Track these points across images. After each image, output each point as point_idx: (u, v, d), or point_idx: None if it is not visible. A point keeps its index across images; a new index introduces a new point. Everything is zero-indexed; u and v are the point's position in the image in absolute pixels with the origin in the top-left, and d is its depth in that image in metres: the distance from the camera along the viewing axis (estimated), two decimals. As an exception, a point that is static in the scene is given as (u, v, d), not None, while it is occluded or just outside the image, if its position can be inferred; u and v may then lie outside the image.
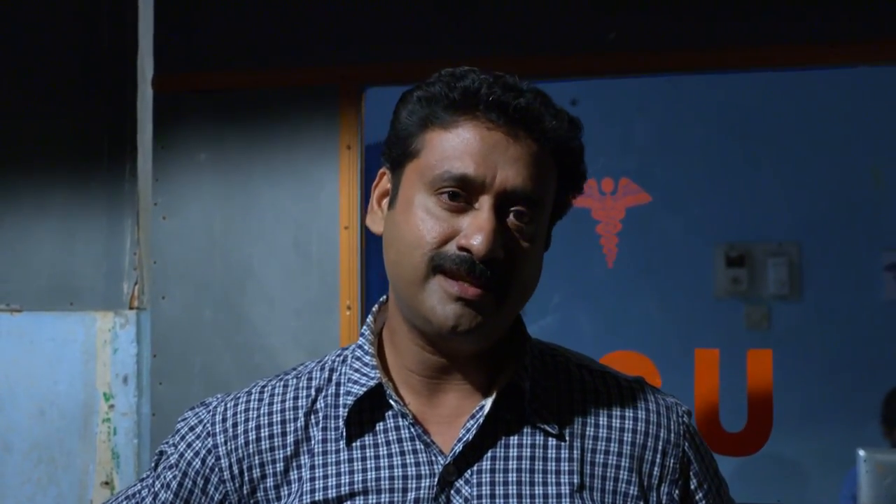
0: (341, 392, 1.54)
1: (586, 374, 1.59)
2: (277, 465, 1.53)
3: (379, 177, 1.54)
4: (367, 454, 1.50)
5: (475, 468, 1.48)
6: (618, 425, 1.54)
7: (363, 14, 2.98)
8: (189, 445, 1.58)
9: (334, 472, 1.50)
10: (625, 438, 1.54)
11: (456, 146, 1.42)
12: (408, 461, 1.49)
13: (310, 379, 1.58)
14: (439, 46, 2.92)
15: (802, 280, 4.87)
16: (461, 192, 1.41)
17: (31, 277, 3.14)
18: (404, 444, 1.50)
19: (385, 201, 1.52)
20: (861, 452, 3.26)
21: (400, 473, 1.48)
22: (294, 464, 1.52)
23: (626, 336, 4.65)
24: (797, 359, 4.47)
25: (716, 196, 4.80)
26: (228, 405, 1.58)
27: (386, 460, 1.49)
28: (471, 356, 1.50)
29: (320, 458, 1.51)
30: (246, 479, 1.54)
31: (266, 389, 1.59)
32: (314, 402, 1.55)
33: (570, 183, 1.51)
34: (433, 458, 1.48)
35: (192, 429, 1.59)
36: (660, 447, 1.55)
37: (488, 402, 1.49)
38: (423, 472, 1.48)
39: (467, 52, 2.88)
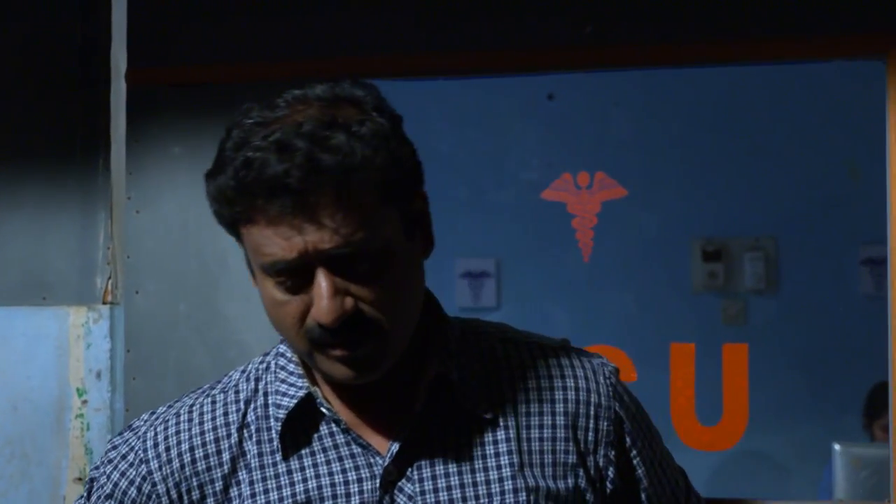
0: (270, 403, 1.53)
1: (511, 348, 1.59)
2: (216, 484, 1.52)
3: None
4: (306, 464, 1.50)
5: (415, 465, 1.49)
6: (548, 397, 1.56)
7: (339, 8, 2.97)
8: (123, 474, 1.56)
9: (274, 485, 1.49)
10: (557, 409, 1.55)
11: (268, 237, 1.38)
12: (347, 466, 1.49)
13: (237, 392, 1.57)
14: (415, 41, 2.90)
15: (779, 274, 4.89)
16: (292, 275, 1.40)
17: (2, 272, 3.11)
18: (341, 449, 1.50)
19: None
20: (836, 446, 3.27)
21: (341, 479, 1.48)
22: (233, 480, 1.51)
23: (601, 330, 4.65)
24: (773, 353, 4.48)
25: (692, 190, 4.81)
26: (158, 429, 1.56)
27: (325, 468, 1.49)
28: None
29: (258, 472, 1.51)
30: (185, 502, 1.52)
31: (195, 408, 1.57)
32: (244, 415, 1.54)
33: (403, 187, 1.45)
34: (372, 461, 1.49)
35: (123, 457, 1.57)
36: (591, 412, 1.56)
37: (419, 398, 1.50)
38: (363, 476, 1.48)
39: (442, 46, 2.87)
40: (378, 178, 1.39)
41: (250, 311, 2.95)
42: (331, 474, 1.49)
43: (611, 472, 1.57)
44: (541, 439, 1.53)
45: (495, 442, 1.51)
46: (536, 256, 4.88)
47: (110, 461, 1.58)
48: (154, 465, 1.54)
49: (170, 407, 1.60)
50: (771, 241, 4.88)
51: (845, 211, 4.69)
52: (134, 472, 1.55)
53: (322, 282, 1.38)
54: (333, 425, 1.50)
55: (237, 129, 1.43)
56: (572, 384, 1.57)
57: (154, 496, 1.53)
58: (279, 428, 1.50)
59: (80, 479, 3.03)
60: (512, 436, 1.52)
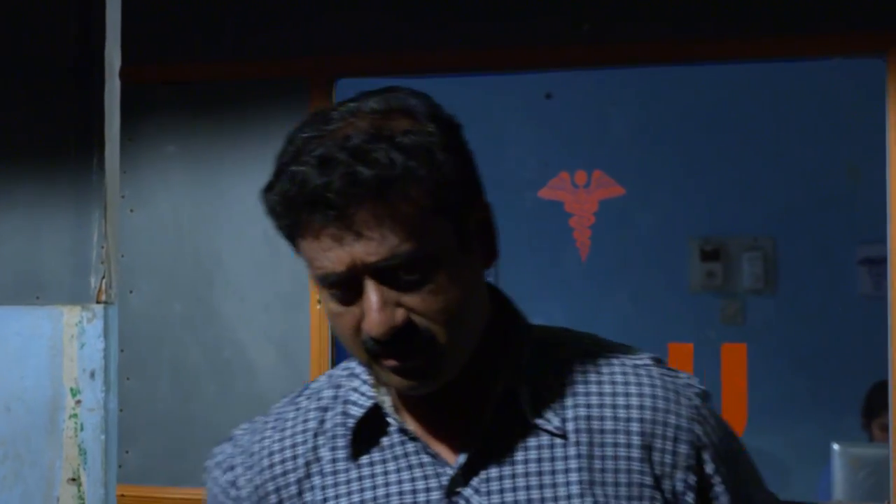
0: (345, 411, 1.55)
1: (590, 361, 1.56)
2: (291, 488, 1.54)
3: None
4: (376, 471, 1.51)
5: (482, 476, 1.47)
6: (623, 415, 1.51)
7: (334, 5, 2.96)
8: (215, 481, 1.61)
9: (345, 491, 1.51)
10: (632, 429, 1.50)
11: (316, 250, 1.38)
12: (416, 475, 1.49)
13: (319, 399, 1.59)
14: (410, 38, 2.90)
15: (777, 274, 4.87)
16: (344, 287, 1.39)
17: (-4, 271, 3.11)
18: (410, 458, 1.50)
19: None
20: (835, 446, 3.26)
21: (409, 488, 1.48)
22: (307, 485, 1.53)
23: (599, 330, 4.61)
24: (771, 353, 4.47)
25: (690, 189, 4.79)
26: (247, 436, 1.60)
27: (395, 476, 1.50)
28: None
29: (330, 478, 1.52)
30: None
31: (281, 415, 1.60)
32: (322, 422, 1.56)
33: (454, 198, 1.42)
34: (440, 470, 1.48)
35: (218, 465, 1.62)
36: (670, 434, 1.52)
37: (489, 410, 1.48)
38: (431, 486, 1.48)
39: (439, 44, 2.86)
40: (422, 189, 1.37)
41: (245, 311, 2.94)
42: (399, 482, 1.49)
43: (690, 499, 1.52)
44: (615, 458, 1.49)
45: (565, 458, 1.48)
46: (534, 255, 4.86)
47: (207, 469, 1.63)
48: (239, 470, 1.58)
49: (265, 415, 1.63)
50: (769, 240, 4.87)
51: (843, 211, 4.68)
52: (224, 479, 1.59)
53: (371, 294, 1.38)
54: (403, 434, 1.51)
55: (290, 144, 1.43)
56: (650, 403, 1.52)
57: (238, 500, 1.57)
58: (350, 434, 1.52)
59: (73, 479, 3.02)
60: (583, 452, 1.48)
